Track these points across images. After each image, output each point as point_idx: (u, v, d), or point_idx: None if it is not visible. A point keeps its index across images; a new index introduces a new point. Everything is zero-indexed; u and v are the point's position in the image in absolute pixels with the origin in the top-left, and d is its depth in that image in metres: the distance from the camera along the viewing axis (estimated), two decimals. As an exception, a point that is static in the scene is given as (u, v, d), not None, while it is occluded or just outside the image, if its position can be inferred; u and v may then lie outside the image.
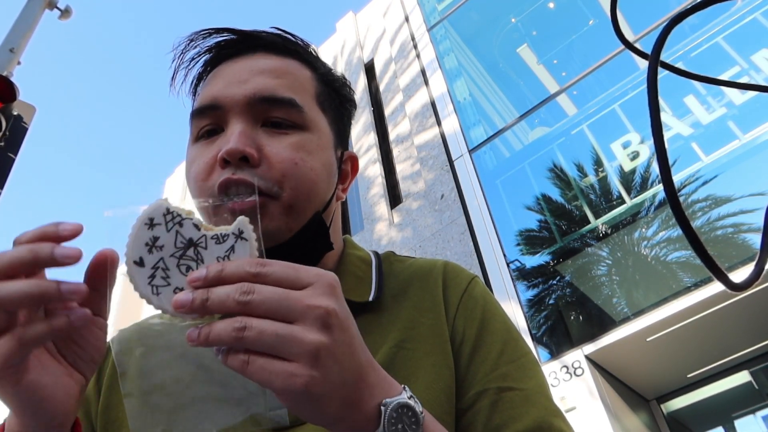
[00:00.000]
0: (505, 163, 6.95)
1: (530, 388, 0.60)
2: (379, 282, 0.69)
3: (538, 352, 5.04)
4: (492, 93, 8.33)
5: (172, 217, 0.43)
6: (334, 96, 0.73)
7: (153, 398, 0.47)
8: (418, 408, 0.44)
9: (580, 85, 6.70)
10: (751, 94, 5.09)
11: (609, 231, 5.49)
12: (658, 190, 5.25)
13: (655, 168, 5.25)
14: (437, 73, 7.96)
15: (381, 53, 9.41)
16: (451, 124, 7.31)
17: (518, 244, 5.96)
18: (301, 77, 0.68)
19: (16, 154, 3.10)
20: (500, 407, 0.58)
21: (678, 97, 5.55)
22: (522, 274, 5.69)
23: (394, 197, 7.65)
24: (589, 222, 5.58)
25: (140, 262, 0.42)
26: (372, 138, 8.38)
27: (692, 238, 0.40)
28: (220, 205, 0.58)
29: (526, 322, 5.24)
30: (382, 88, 9.01)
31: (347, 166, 0.75)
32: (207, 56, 0.70)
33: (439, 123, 7.49)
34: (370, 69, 9.57)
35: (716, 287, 4.20)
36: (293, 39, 0.72)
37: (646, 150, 5.47)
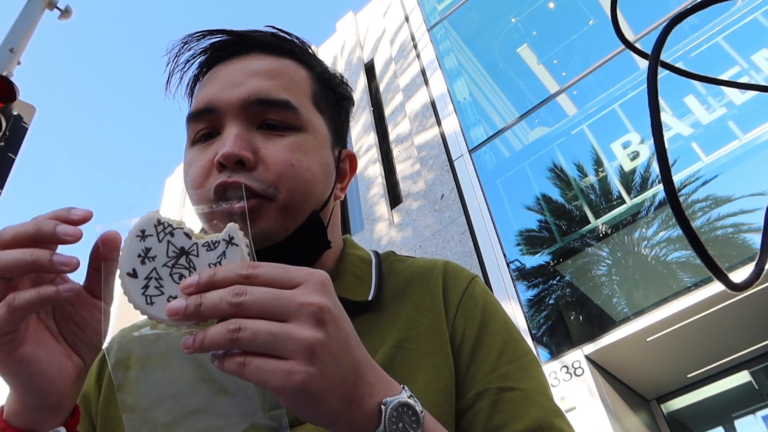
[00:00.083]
0: (505, 163, 6.95)
1: (530, 388, 0.60)
2: (379, 281, 0.69)
3: (538, 352, 5.04)
4: (492, 93, 8.33)
5: (163, 228, 0.43)
6: (331, 94, 0.73)
7: (152, 414, 0.48)
8: (418, 407, 0.44)
9: (580, 85, 6.70)
10: (751, 94, 5.09)
11: (609, 231, 5.49)
12: (658, 190, 5.25)
13: (655, 168, 5.25)
14: (437, 73, 7.96)
15: (381, 53, 9.41)
16: (451, 124, 7.31)
17: (518, 244, 5.96)
18: (297, 77, 0.68)
19: (16, 154, 3.10)
20: (500, 407, 0.58)
21: (678, 97, 5.55)
22: (522, 274, 5.69)
23: (394, 197, 7.66)
24: (589, 222, 5.58)
25: (133, 274, 0.43)
26: (372, 138, 8.38)
27: (692, 238, 0.40)
28: (213, 212, 0.58)
29: (526, 322, 5.24)
30: (382, 88, 9.02)
31: (345, 164, 0.75)
32: (202, 58, 0.70)
33: (439, 123, 7.49)
34: (370, 69, 9.57)
35: (716, 287, 4.20)
36: (288, 38, 0.72)
37: (646, 150, 5.47)
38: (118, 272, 0.43)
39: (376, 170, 7.94)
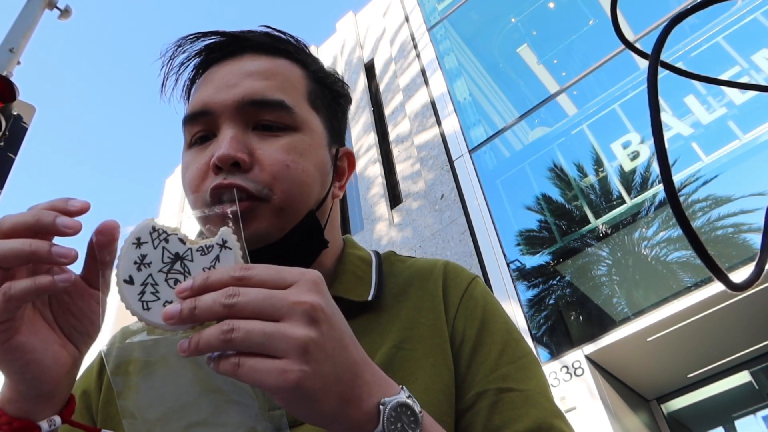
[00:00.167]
0: (505, 163, 6.95)
1: (531, 389, 0.60)
2: (379, 281, 0.69)
3: (538, 352, 5.04)
4: (492, 93, 8.33)
5: (158, 234, 0.44)
6: (327, 93, 0.73)
7: (152, 419, 0.48)
8: (417, 408, 0.44)
9: (580, 85, 6.70)
10: (752, 94, 5.09)
11: (609, 231, 5.49)
12: (658, 190, 5.25)
13: (656, 168, 5.25)
14: (437, 73, 7.96)
15: (381, 53, 9.41)
16: (451, 124, 7.31)
17: (518, 244, 5.96)
18: (292, 77, 0.68)
19: (15, 154, 3.10)
20: (500, 408, 0.58)
21: (678, 97, 5.55)
22: (522, 274, 5.69)
23: (394, 197, 7.66)
24: (589, 222, 5.58)
25: (130, 280, 0.43)
26: (372, 138, 8.38)
27: (692, 238, 0.40)
28: (209, 216, 0.58)
29: (526, 322, 5.24)
30: (382, 88, 9.02)
31: (343, 162, 0.75)
32: (197, 60, 0.70)
33: (439, 123, 7.49)
34: (370, 69, 9.57)
35: (716, 287, 4.20)
36: (283, 37, 0.71)
37: (647, 150, 5.47)
38: (115, 279, 0.44)
39: (376, 170, 7.94)
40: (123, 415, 0.48)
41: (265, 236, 0.60)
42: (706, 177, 5.06)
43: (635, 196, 5.43)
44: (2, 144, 3.03)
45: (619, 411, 4.58)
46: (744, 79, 5.12)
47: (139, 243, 0.44)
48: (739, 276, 0.42)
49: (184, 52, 0.69)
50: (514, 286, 5.49)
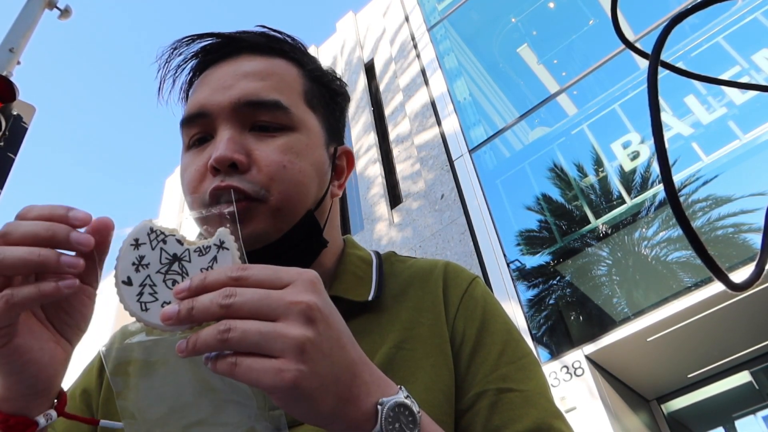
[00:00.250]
0: (505, 163, 6.95)
1: (530, 390, 0.60)
2: (379, 282, 0.69)
3: (538, 352, 5.04)
4: (492, 93, 8.33)
5: (156, 236, 0.44)
6: (324, 92, 0.72)
7: (152, 420, 0.49)
8: (415, 408, 0.44)
9: (581, 85, 6.70)
10: (752, 93, 5.09)
11: (609, 231, 5.49)
12: (658, 190, 5.25)
13: (656, 168, 5.25)
14: (437, 73, 7.96)
15: (381, 53, 9.41)
16: (451, 124, 7.31)
17: (518, 244, 5.96)
18: (288, 76, 0.68)
19: (15, 154, 3.10)
20: (500, 408, 0.58)
21: (678, 96, 5.54)
22: (522, 274, 5.69)
23: (394, 197, 7.65)
24: (589, 222, 5.58)
25: (128, 282, 0.43)
26: (372, 138, 8.38)
27: (692, 238, 0.40)
28: (208, 216, 0.58)
29: (526, 322, 5.24)
30: (382, 88, 9.01)
31: (342, 161, 0.75)
32: (193, 62, 0.70)
33: (439, 123, 7.49)
34: (370, 69, 9.56)
35: (716, 287, 4.20)
36: (279, 37, 0.71)
37: (647, 150, 5.47)
38: (113, 281, 0.44)
39: (376, 170, 7.94)
40: (123, 416, 0.48)
41: (264, 236, 0.61)
42: (706, 177, 5.05)
43: (635, 196, 5.42)
44: (2, 144, 3.03)
45: (619, 411, 4.58)
46: (744, 79, 5.12)
47: (137, 244, 0.44)
48: (739, 276, 0.42)
49: (180, 54, 0.69)
50: (514, 286, 5.49)
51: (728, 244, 4.98)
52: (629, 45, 0.61)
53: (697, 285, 4.45)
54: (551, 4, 8.31)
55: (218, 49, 0.69)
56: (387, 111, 8.62)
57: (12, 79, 3.25)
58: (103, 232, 0.45)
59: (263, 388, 0.38)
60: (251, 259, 0.46)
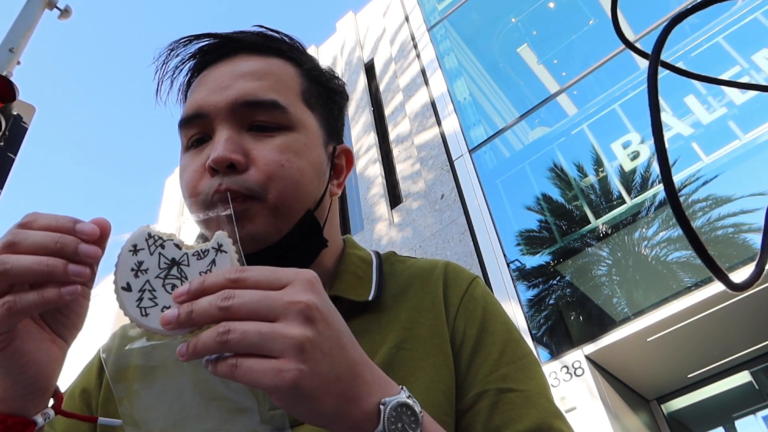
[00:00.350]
0: (505, 163, 6.95)
1: (531, 390, 0.60)
2: (379, 282, 0.69)
3: (538, 352, 5.04)
4: (492, 93, 8.33)
5: (154, 241, 0.45)
6: (322, 91, 0.72)
7: (154, 427, 0.49)
8: (417, 408, 0.44)
9: (581, 85, 6.70)
10: (752, 93, 5.09)
11: (609, 231, 5.49)
12: (658, 190, 5.25)
13: (656, 168, 5.25)
14: (437, 73, 7.96)
15: (381, 53, 9.41)
16: (451, 124, 7.31)
17: (518, 244, 5.96)
18: (285, 76, 0.68)
19: (15, 154, 3.10)
20: (500, 408, 0.58)
21: (678, 96, 5.54)
22: (522, 274, 5.69)
23: (394, 197, 7.65)
24: (589, 222, 5.58)
25: (128, 287, 0.44)
26: (372, 138, 8.38)
27: (692, 238, 0.40)
28: (207, 219, 0.59)
29: (526, 322, 5.24)
30: (382, 88, 9.01)
31: (341, 160, 0.75)
32: (191, 63, 0.70)
33: (439, 123, 7.49)
34: (370, 69, 9.56)
35: (716, 287, 4.20)
36: (276, 36, 0.71)
37: (647, 150, 5.47)
38: (113, 287, 0.44)
39: (376, 170, 7.94)
40: (125, 422, 0.48)
41: (263, 237, 0.61)
42: (706, 177, 5.05)
43: (635, 196, 5.42)
44: (2, 144, 3.03)
45: (619, 411, 4.58)
46: (744, 79, 5.12)
47: (135, 250, 0.44)
48: (739, 276, 0.42)
49: (177, 55, 0.69)
50: (514, 286, 5.49)
51: (728, 244, 4.98)
52: (629, 45, 0.61)
53: (697, 285, 4.45)
54: (551, 4, 8.31)
55: (215, 50, 0.69)
56: (387, 111, 8.62)
57: (12, 79, 3.25)
58: (100, 235, 0.45)
59: (264, 388, 0.38)
60: (250, 262, 0.46)
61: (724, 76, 5.40)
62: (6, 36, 3.59)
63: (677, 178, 5.11)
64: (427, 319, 0.65)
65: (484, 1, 8.75)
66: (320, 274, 0.59)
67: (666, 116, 5.44)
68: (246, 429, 0.48)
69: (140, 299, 0.43)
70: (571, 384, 4.63)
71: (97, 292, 0.50)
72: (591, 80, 6.61)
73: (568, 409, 4.47)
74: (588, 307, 5.19)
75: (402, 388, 0.45)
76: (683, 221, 0.40)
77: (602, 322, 4.87)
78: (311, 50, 8.56)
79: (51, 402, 0.50)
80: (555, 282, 5.59)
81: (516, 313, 5.28)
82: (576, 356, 4.74)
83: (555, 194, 6.14)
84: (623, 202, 5.44)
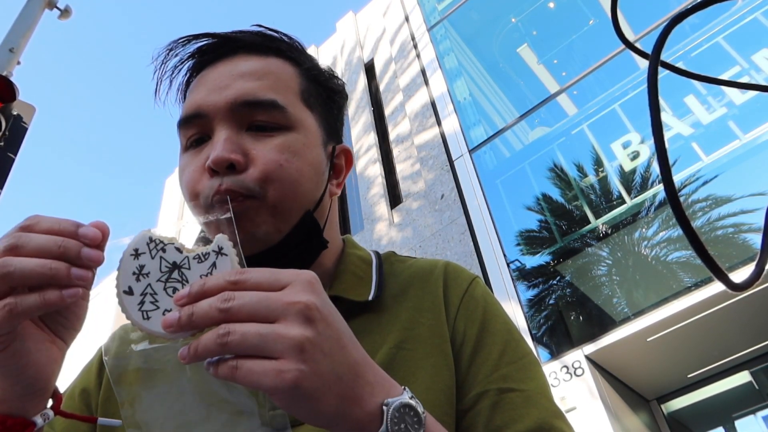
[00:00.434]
0: (505, 163, 6.95)
1: (531, 389, 0.60)
2: (379, 282, 0.69)
3: (538, 352, 5.04)
4: (492, 93, 8.33)
5: (155, 245, 0.45)
6: (321, 90, 0.72)
7: (156, 429, 0.49)
8: (420, 408, 0.44)
9: (581, 85, 6.70)
10: (752, 93, 5.09)
11: (609, 231, 5.49)
12: (658, 190, 5.25)
13: (656, 168, 5.25)
14: (437, 73, 7.96)
15: (381, 53, 9.41)
16: (451, 124, 7.31)
17: (518, 244, 5.96)
18: (284, 76, 0.68)
19: (15, 154, 3.10)
20: (501, 408, 0.58)
21: (678, 96, 5.54)
22: (522, 274, 5.69)
23: (394, 197, 7.65)
24: (589, 222, 5.58)
25: (129, 291, 0.44)
26: (372, 138, 8.38)
27: (692, 238, 0.40)
28: (208, 223, 0.59)
29: (526, 322, 5.24)
30: (382, 88, 9.01)
31: (340, 160, 0.75)
32: (190, 63, 0.70)
33: (439, 123, 7.49)
34: (370, 69, 9.56)
35: (717, 287, 4.20)
36: (275, 36, 0.71)
37: (647, 150, 5.47)
38: (115, 291, 0.44)
39: (376, 170, 7.94)
40: (127, 424, 0.48)
41: (263, 237, 0.61)
42: (706, 177, 5.05)
43: (635, 196, 5.42)
44: (2, 144, 3.03)
45: (619, 411, 4.58)
46: (744, 79, 5.12)
47: (137, 254, 0.45)
48: (739, 276, 0.42)
49: (176, 55, 0.69)
50: (514, 286, 5.49)
51: (728, 244, 4.98)
52: (629, 45, 0.61)
53: (697, 285, 4.45)
54: (551, 4, 8.31)
55: (214, 50, 0.69)
56: (387, 111, 8.62)
57: (12, 79, 3.25)
58: (100, 237, 0.45)
59: (264, 389, 0.38)
60: (250, 264, 0.46)
61: (724, 76, 5.40)
62: (6, 36, 3.59)
63: (677, 178, 5.11)
64: (427, 319, 0.65)
65: (484, 1, 8.74)
66: (320, 274, 0.59)
67: (666, 116, 5.44)
68: (232, 412, 0.48)
69: (142, 303, 0.44)
70: (571, 384, 4.63)
71: (98, 292, 0.50)
72: (591, 80, 6.61)
73: (568, 409, 4.47)
74: (588, 307, 5.19)
75: (404, 389, 0.45)
76: (683, 221, 0.40)
77: (602, 322, 4.87)
78: (311, 50, 8.56)
79: (50, 403, 0.50)
80: (555, 282, 5.59)
81: (516, 313, 5.28)
82: (576, 356, 4.74)
83: (555, 194, 6.14)
84: (623, 202, 5.44)
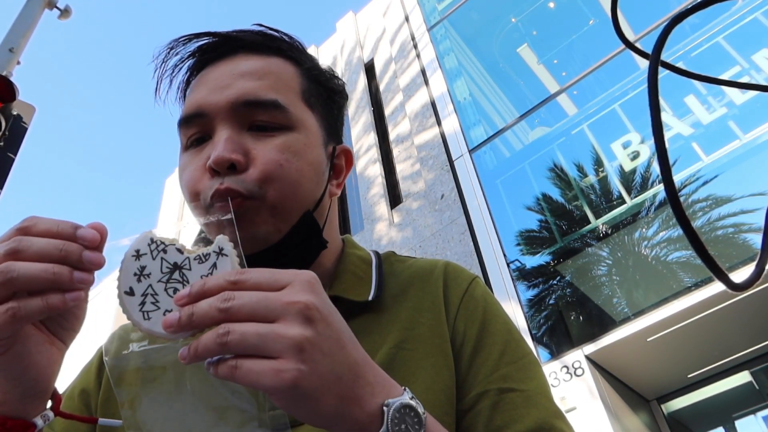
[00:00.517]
0: (505, 163, 6.95)
1: (531, 389, 0.60)
2: (379, 282, 0.69)
3: (538, 352, 5.04)
4: (492, 93, 8.33)
5: (156, 246, 0.45)
6: (322, 90, 0.72)
7: (156, 430, 0.49)
8: (420, 409, 0.44)
9: (581, 85, 6.69)
10: (752, 93, 5.09)
11: (609, 231, 5.49)
12: (658, 190, 5.25)
13: (656, 168, 5.25)
14: (437, 73, 7.96)
15: (381, 53, 9.41)
16: (451, 124, 7.31)
17: (518, 244, 5.96)
18: (285, 75, 0.67)
19: (15, 154, 3.10)
20: (501, 408, 0.58)
21: (678, 96, 5.54)
22: (522, 274, 5.69)
23: (394, 197, 7.65)
24: (589, 222, 5.58)
25: (131, 292, 0.44)
26: (372, 138, 8.38)
27: (693, 238, 0.40)
28: (209, 223, 0.59)
29: (526, 322, 5.24)
30: (382, 88, 9.01)
31: (340, 160, 0.74)
32: (190, 62, 0.70)
33: (439, 123, 7.49)
34: (370, 69, 9.56)
35: (717, 287, 4.20)
36: (276, 36, 0.71)
37: (647, 150, 5.47)
38: (116, 291, 0.44)
39: (376, 170, 7.94)
40: (127, 425, 0.48)
41: (264, 238, 0.61)
42: (707, 177, 5.05)
43: (635, 196, 5.42)
44: (2, 144, 3.03)
45: (619, 411, 4.58)
46: (744, 79, 5.12)
47: (138, 255, 0.45)
48: (739, 276, 0.42)
49: (177, 54, 0.69)
50: (514, 286, 5.49)
51: (728, 244, 4.98)
52: (629, 45, 0.61)
53: (697, 285, 4.45)
54: (551, 4, 8.31)
55: (215, 49, 0.69)
56: (387, 111, 8.62)
57: (12, 79, 3.25)
58: (98, 239, 0.45)
59: (264, 389, 0.38)
60: (251, 263, 0.46)
61: (724, 76, 5.39)
62: (6, 36, 3.59)
63: (677, 178, 5.11)
64: (427, 319, 0.65)
65: (484, 1, 8.74)
66: (320, 274, 0.59)
67: (666, 116, 5.44)
68: (233, 413, 0.48)
69: (143, 303, 0.44)
70: (571, 384, 4.63)
71: (98, 291, 0.50)
72: (591, 80, 6.61)
73: (568, 409, 4.47)
74: (588, 307, 5.19)
75: (405, 390, 0.45)
76: (683, 221, 0.40)
77: (602, 322, 4.87)
78: (311, 50, 8.55)
79: (49, 403, 0.50)
80: (555, 282, 5.59)
81: (516, 313, 5.28)
82: (576, 356, 4.74)
83: (555, 194, 6.14)
84: (623, 202, 5.44)
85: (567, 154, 6.28)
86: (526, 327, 5.19)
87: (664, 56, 0.48)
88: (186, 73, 0.71)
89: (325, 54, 10.55)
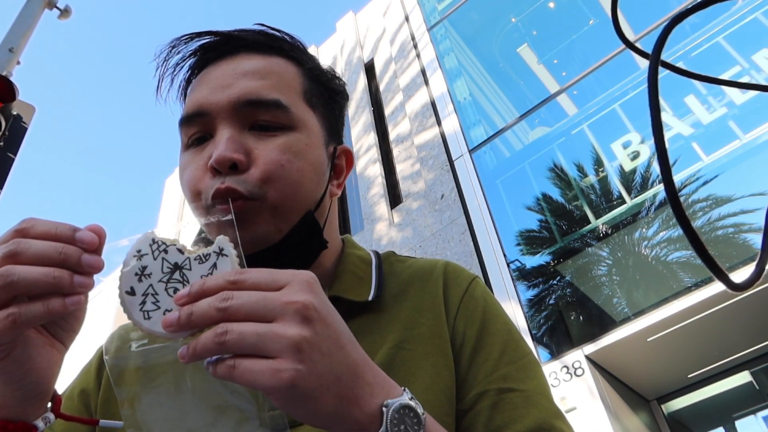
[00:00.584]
0: (505, 163, 6.95)
1: (531, 390, 0.60)
2: (379, 282, 0.69)
3: (538, 352, 5.04)
4: (492, 93, 8.33)
5: (158, 246, 0.46)
6: (323, 90, 0.72)
7: (156, 429, 0.49)
8: (420, 410, 0.44)
9: (581, 85, 6.69)
10: (752, 93, 5.09)
11: (609, 231, 5.49)
12: (658, 190, 5.25)
13: (656, 168, 5.25)
14: (437, 73, 7.96)
15: (381, 53, 9.41)
16: (451, 124, 7.31)
17: (518, 244, 5.96)
18: (287, 75, 0.67)
19: (15, 154, 3.10)
20: (501, 408, 0.58)
21: (678, 96, 5.54)
22: (522, 274, 5.69)
23: (394, 197, 7.65)
24: (589, 222, 5.58)
25: (132, 291, 0.45)
26: (372, 138, 8.38)
27: (693, 238, 0.40)
28: (209, 223, 0.59)
29: (526, 322, 5.24)
30: (382, 88, 9.01)
31: (341, 160, 0.74)
32: (192, 60, 0.70)
33: (439, 123, 7.49)
34: (370, 69, 9.56)
35: (717, 287, 4.20)
36: (278, 35, 0.71)
37: (647, 150, 5.47)
38: (117, 291, 0.45)
39: (376, 170, 7.94)
40: (127, 425, 0.48)
41: (264, 238, 0.60)
42: (707, 177, 5.05)
43: (635, 196, 5.42)
44: (2, 144, 3.03)
45: (619, 411, 4.58)
46: (744, 79, 5.12)
47: (139, 255, 0.45)
48: (739, 276, 0.42)
49: (178, 53, 0.69)
50: (514, 286, 5.49)
51: (728, 244, 4.98)
52: (629, 45, 0.61)
53: (697, 285, 4.45)
54: (551, 4, 8.31)
55: (217, 48, 0.68)
56: (387, 111, 8.62)
57: (12, 79, 3.25)
58: (97, 241, 0.45)
59: (262, 389, 0.38)
60: (251, 263, 0.46)
61: (724, 76, 5.39)
62: (6, 36, 3.59)
63: (677, 178, 5.11)
64: (427, 319, 0.65)
65: (484, 1, 8.75)
66: (320, 274, 0.58)
67: (666, 116, 5.44)
68: (232, 414, 0.49)
69: (143, 303, 0.44)
70: (571, 384, 4.63)
71: (98, 291, 0.50)
72: (591, 80, 6.61)
73: (568, 409, 4.47)
74: (588, 307, 5.19)
75: (404, 390, 0.45)
76: (683, 221, 0.40)
77: (602, 322, 4.87)
78: (311, 50, 8.50)
79: (49, 405, 0.49)
80: (555, 282, 5.59)
81: (516, 313, 5.28)
82: (576, 356, 4.74)
83: (555, 194, 6.14)
84: (623, 202, 5.44)
85: (567, 154, 6.28)
86: (526, 327, 5.19)
87: (664, 56, 0.48)
88: (187, 71, 0.70)
89: (325, 54, 10.55)
